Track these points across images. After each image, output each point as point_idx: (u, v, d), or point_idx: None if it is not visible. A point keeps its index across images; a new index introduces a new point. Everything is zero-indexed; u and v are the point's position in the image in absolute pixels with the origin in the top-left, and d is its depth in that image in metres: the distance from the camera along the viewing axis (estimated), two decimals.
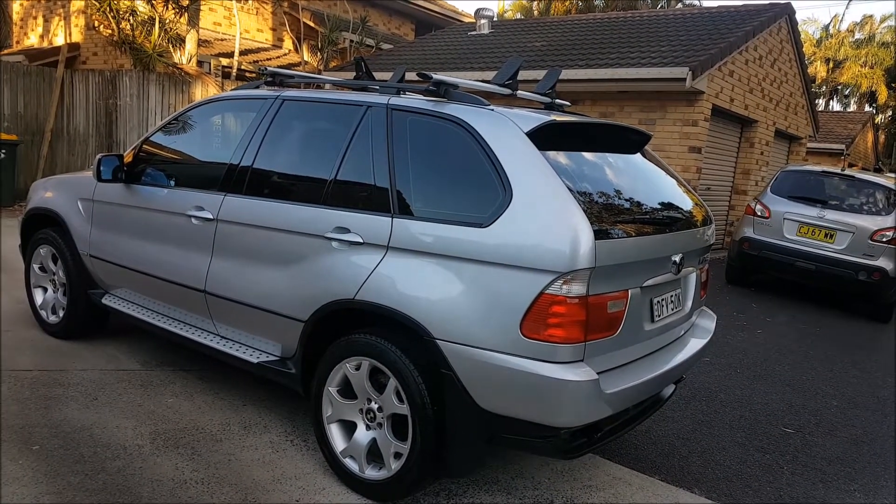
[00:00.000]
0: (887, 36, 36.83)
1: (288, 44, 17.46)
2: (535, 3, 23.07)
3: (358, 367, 3.13)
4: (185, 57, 11.86)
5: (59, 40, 14.97)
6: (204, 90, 11.37)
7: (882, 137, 35.73)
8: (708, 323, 3.89)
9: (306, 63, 15.39)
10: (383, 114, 3.30)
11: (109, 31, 11.43)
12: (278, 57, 16.61)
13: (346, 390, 3.23)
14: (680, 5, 23.27)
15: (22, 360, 4.35)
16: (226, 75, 12.92)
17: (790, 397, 5.27)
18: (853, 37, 37.87)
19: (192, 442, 3.50)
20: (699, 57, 9.89)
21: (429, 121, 3.16)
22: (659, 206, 3.35)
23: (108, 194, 4.30)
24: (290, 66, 16.41)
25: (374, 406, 3.12)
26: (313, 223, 3.30)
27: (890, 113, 38.38)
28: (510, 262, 2.72)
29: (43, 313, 4.88)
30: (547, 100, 3.91)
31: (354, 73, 4.28)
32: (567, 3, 22.72)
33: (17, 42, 17.29)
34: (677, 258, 3.24)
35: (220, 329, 3.81)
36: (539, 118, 3.04)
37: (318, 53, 15.42)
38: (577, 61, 11.07)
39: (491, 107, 3.11)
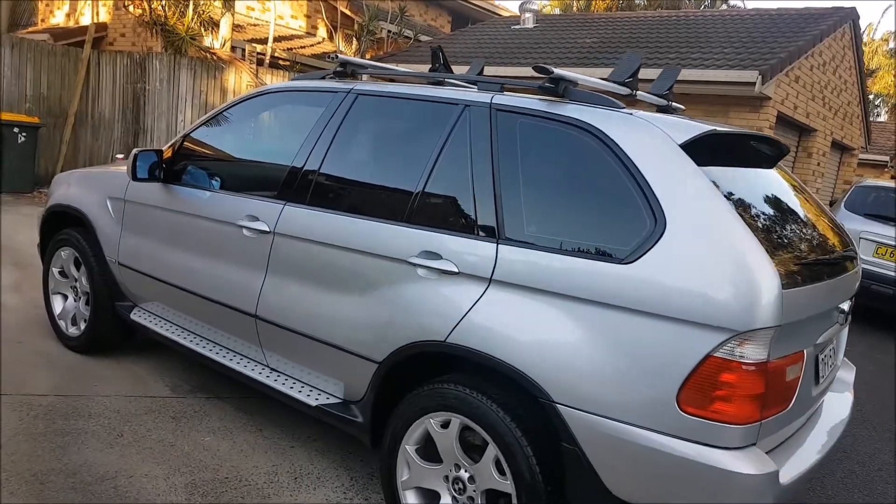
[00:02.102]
0: None
1: (322, 31, 16.88)
2: (576, 0, 22.39)
3: (445, 426, 2.54)
4: (218, 41, 11.30)
5: (86, 20, 14.44)
6: (237, 77, 10.80)
7: None
8: (846, 374, 3.25)
9: (342, 52, 14.78)
10: (485, 115, 2.69)
11: (140, 11, 10.87)
12: (312, 45, 16.02)
13: (429, 451, 2.63)
14: (725, 6, 22.45)
15: (36, 381, 3.78)
16: (259, 62, 12.34)
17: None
18: (888, 45, 36.83)
19: (237, 498, 2.91)
20: (768, 61, 9.20)
21: (545, 125, 2.55)
22: (821, 239, 2.73)
23: (142, 195, 3.72)
24: (324, 54, 15.84)
25: (465, 475, 2.53)
26: (394, 245, 2.70)
27: None
28: (663, 311, 2.11)
29: (62, 324, 4.32)
30: (664, 102, 3.29)
31: (430, 65, 3.66)
32: (609, 1, 21.96)
33: (42, 20, 16.82)
34: (846, 306, 2.63)
35: (271, 360, 3.23)
36: (694, 126, 2.43)
37: (355, 42, 14.83)
38: None
39: (628, 110, 2.49)
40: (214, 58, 10.74)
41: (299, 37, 16.35)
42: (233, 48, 11.76)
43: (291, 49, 14.65)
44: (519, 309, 2.38)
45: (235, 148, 3.69)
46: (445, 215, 2.67)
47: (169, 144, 3.72)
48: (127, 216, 3.83)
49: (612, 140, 2.36)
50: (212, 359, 3.37)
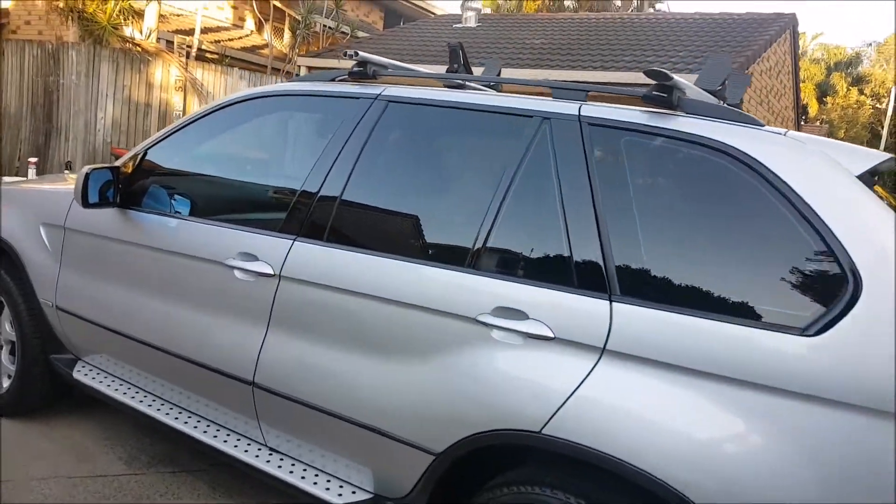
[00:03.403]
0: (817, 52, 37.73)
1: (250, 23, 15.87)
2: (506, 1, 22.01)
3: None
4: (141, 32, 10.25)
5: None
6: (165, 70, 9.82)
7: None
8: None
9: (273, 47, 13.88)
10: (574, 130, 2.08)
11: None
12: (241, 38, 15.04)
13: None
14: (651, 10, 22.58)
15: None
16: (185, 55, 11.31)
17: None
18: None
19: None
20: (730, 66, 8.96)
21: (664, 146, 1.97)
22: None
23: (90, 222, 2.92)
24: (253, 48, 14.87)
25: None
26: (456, 298, 2.07)
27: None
28: (873, 403, 1.56)
29: None
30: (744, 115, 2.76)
31: (448, 66, 3.02)
32: (538, 2, 21.68)
33: None
34: None
35: (271, 438, 2.53)
36: (867, 153, 1.90)
37: (288, 36, 13.95)
38: (591, 62, 10.02)
39: (775, 129, 1.95)
40: (139, 50, 9.71)
41: (226, 28, 15.30)
42: (157, 39, 10.72)
43: (219, 41, 13.65)
44: (650, 392, 1.79)
45: (220, 165, 2.96)
46: (528, 260, 2.06)
47: (126, 158, 2.94)
48: (68, 249, 3.02)
49: (767, 169, 1.80)
50: (193, 437, 2.62)
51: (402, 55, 11.72)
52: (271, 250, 2.43)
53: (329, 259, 2.32)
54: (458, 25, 13.89)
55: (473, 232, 2.12)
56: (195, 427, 2.67)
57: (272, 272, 2.40)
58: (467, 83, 2.80)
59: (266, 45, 15.01)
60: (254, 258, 2.44)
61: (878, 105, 35.39)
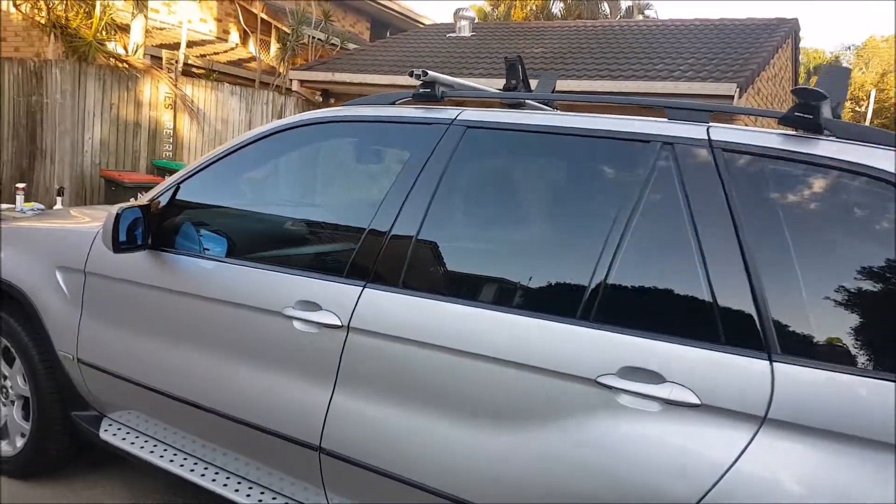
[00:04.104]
0: None
1: (234, 36, 15.50)
2: (495, 9, 21.83)
3: None
4: (128, 47, 9.87)
5: None
6: (154, 87, 9.45)
7: None
8: None
9: (261, 60, 13.52)
10: (705, 158, 1.81)
11: (28, 8, 9.27)
12: (226, 51, 14.64)
13: None
14: (641, 17, 22.53)
15: None
16: (169, 70, 10.93)
17: None
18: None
19: None
20: (741, 73, 8.79)
21: (821, 176, 1.70)
22: None
23: (115, 265, 2.58)
24: (239, 61, 14.50)
25: None
26: (570, 354, 1.78)
27: None
28: None
29: None
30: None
31: (504, 83, 2.74)
32: (526, 11, 21.54)
33: None
34: None
35: None
36: None
37: (274, 49, 13.62)
38: (598, 71, 9.80)
39: None
40: (126, 66, 9.32)
41: (210, 42, 14.91)
42: (143, 55, 10.35)
43: (205, 55, 13.26)
44: (820, 466, 1.51)
45: (267, 200, 2.64)
46: (658, 311, 1.77)
47: (156, 192, 2.61)
48: (90, 295, 2.68)
49: None
50: None
51: (398, 66, 11.45)
52: (337, 298, 2.12)
53: (407, 308, 2.02)
54: (451, 35, 13.60)
55: (584, 277, 1.83)
56: (248, 496, 2.35)
57: (339, 323, 2.09)
58: (527, 101, 2.55)
59: (252, 59, 14.65)
60: (316, 307, 2.14)
61: (857, 108, 35.72)
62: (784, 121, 1.81)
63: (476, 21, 14.43)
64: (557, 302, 1.88)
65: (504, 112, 2.17)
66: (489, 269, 2.08)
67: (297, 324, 2.17)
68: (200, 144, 10.36)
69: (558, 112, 2.23)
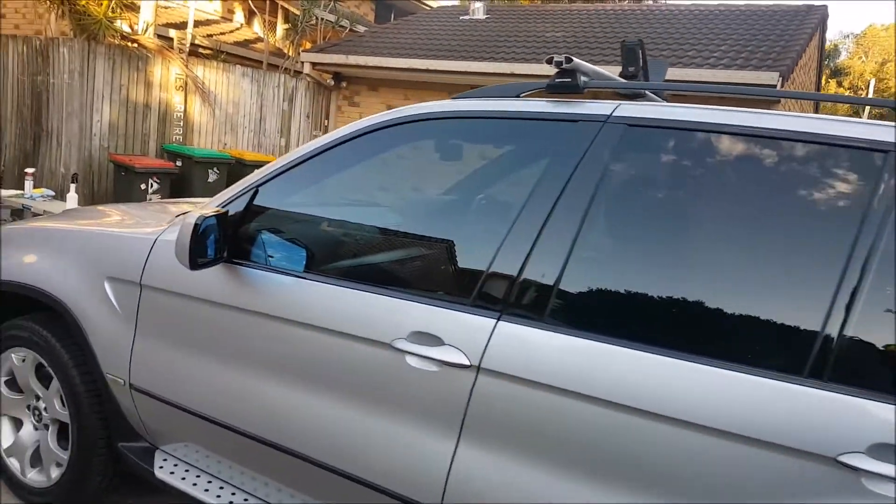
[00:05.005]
0: None
1: (239, 16, 15.02)
2: None
3: None
4: (137, 26, 9.42)
5: None
6: (165, 69, 9.00)
7: None
8: None
9: (268, 41, 13.05)
10: None
11: None
12: (231, 31, 14.19)
13: None
14: (651, 1, 22.03)
15: None
16: (178, 50, 10.47)
17: None
18: None
19: None
20: (782, 61, 8.41)
21: None
22: None
23: (179, 278, 2.22)
24: (245, 42, 14.03)
25: None
26: (807, 426, 1.42)
27: None
28: None
29: (13, 465, 2.74)
30: None
31: (621, 69, 2.38)
32: None
33: None
34: None
35: None
36: None
37: (281, 29, 13.16)
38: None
39: None
40: (136, 46, 8.87)
41: (215, 22, 14.44)
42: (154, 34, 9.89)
43: (211, 35, 12.80)
44: None
45: (369, 209, 2.26)
46: None
47: (227, 197, 2.23)
48: (146, 312, 2.32)
49: None
50: None
51: (413, 49, 11.03)
52: (464, 331, 1.77)
53: (557, 348, 1.67)
54: (465, 17, 13.16)
55: (815, 322, 1.47)
56: None
57: (467, 362, 1.74)
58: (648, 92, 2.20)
59: (258, 39, 14.18)
60: (437, 341, 1.78)
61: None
62: None
63: (490, 4, 13.96)
64: (773, 348, 1.52)
65: (674, 107, 1.80)
66: (664, 307, 1.69)
67: (410, 359, 1.81)
68: (212, 128, 9.93)
69: (759, 110, 1.85)
